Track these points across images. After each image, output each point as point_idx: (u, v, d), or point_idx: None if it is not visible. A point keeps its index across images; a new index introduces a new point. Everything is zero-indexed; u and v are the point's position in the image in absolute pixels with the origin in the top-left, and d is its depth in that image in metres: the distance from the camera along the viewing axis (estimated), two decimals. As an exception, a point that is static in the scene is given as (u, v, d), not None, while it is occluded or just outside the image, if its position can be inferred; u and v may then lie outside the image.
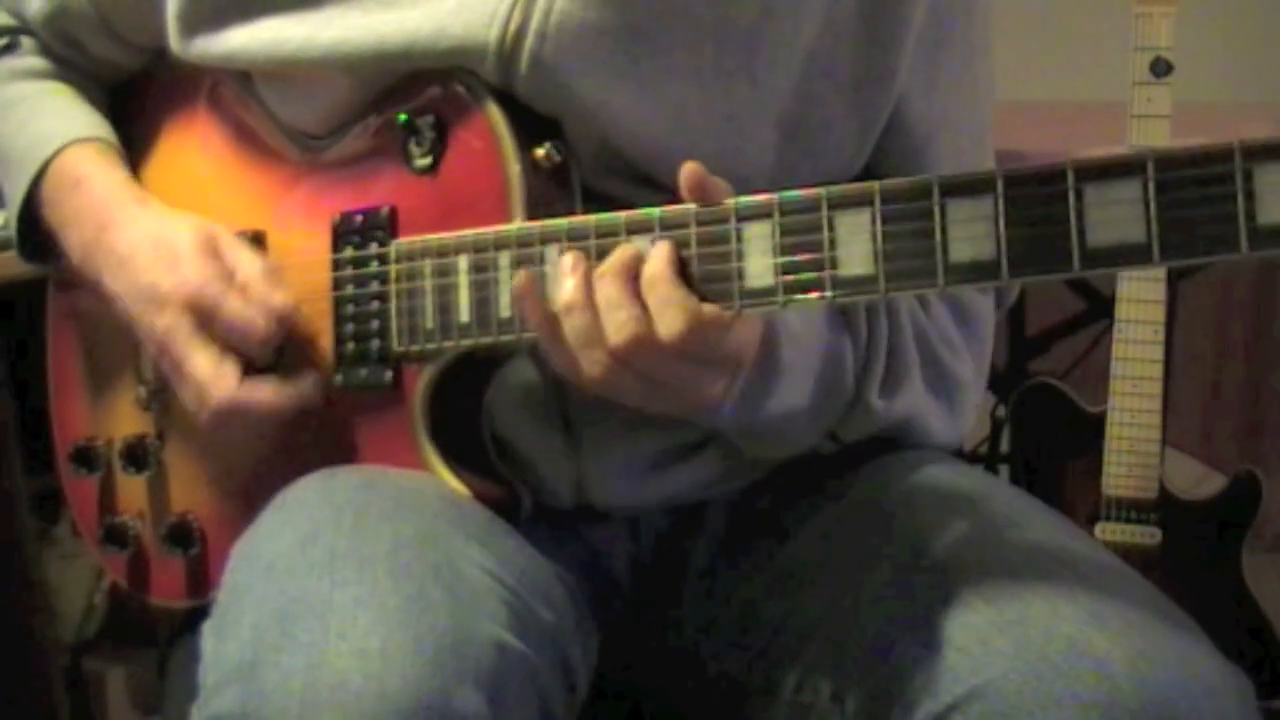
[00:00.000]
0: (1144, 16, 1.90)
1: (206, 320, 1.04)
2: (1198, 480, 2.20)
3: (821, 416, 1.05)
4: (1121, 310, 1.98)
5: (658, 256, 0.89)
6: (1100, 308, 2.30)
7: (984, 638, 0.89)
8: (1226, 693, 0.87)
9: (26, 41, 1.24)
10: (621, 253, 0.90)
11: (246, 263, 1.06)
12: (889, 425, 1.07)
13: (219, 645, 0.90)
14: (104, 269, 1.11)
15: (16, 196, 1.17)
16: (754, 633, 1.04)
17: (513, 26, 0.99)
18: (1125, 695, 0.84)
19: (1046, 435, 2.10)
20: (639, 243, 0.91)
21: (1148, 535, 2.00)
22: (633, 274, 0.90)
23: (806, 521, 1.07)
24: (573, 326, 0.90)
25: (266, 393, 1.04)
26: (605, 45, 0.99)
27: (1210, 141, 0.76)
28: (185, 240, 1.07)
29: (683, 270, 0.89)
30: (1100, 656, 0.85)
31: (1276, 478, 2.05)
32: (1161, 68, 1.90)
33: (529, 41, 0.99)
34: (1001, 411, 2.31)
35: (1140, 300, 1.96)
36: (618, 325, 0.89)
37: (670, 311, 0.88)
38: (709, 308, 0.88)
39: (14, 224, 1.18)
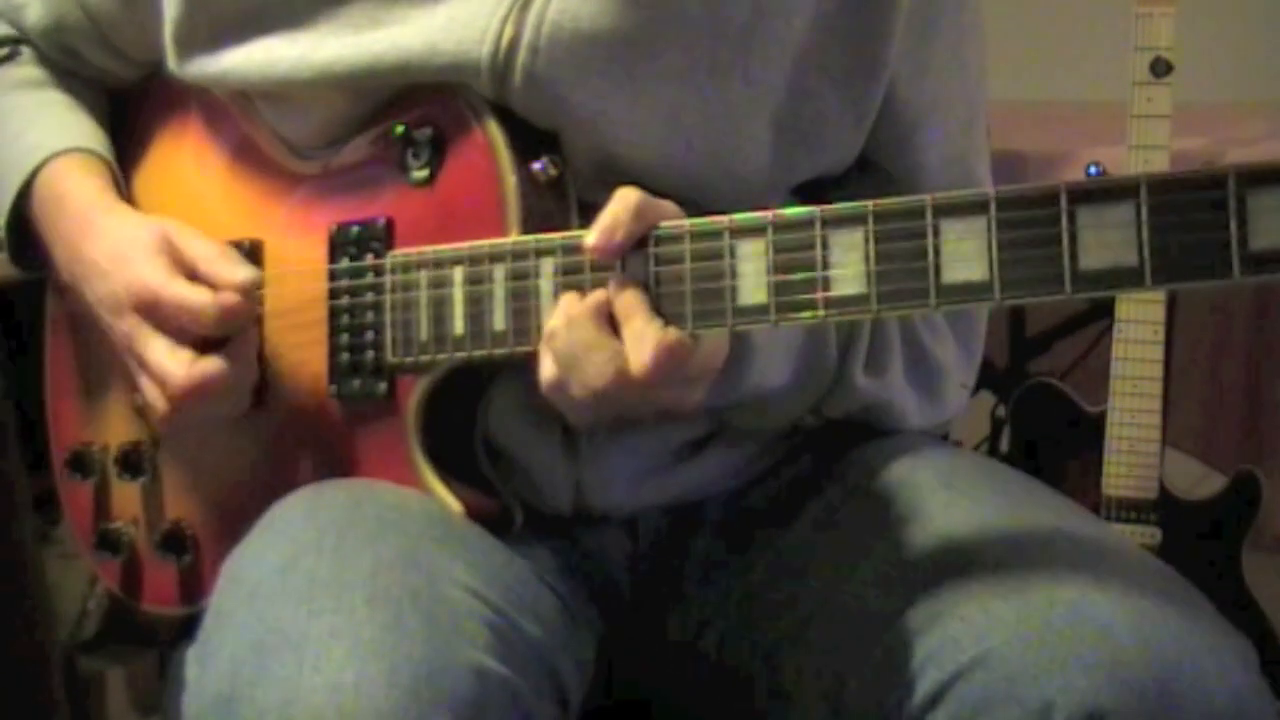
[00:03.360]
0: (1144, 16, 1.90)
1: (154, 312, 1.05)
2: (1198, 480, 2.20)
3: (805, 392, 1.06)
4: (1121, 310, 1.98)
5: (631, 291, 0.91)
6: (1100, 308, 2.29)
7: (985, 605, 0.89)
8: (1229, 651, 0.88)
9: (26, 51, 1.24)
10: (595, 297, 0.92)
11: (201, 250, 1.07)
12: (871, 404, 1.08)
13: (200, 674, 0.91)
14: (83, 282, 1.12)
15: (4, 211, 1.17)
16: (755, 621, 1.04)
17: (505, 41, 0.99)
18: (1129, 655, 0.84)
19: (1046, 435, 2.10)
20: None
21: (1147, 535, 2.00)
22: (605, 315, 0.91)
23: (804, 507, 1.07)
24: (555, 350, 0.92)
25: (220, 365, 1.03)
26: (599, 53, 0.99)
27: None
28: (139, 243, 1.07)
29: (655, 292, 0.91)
30: (1103, 618, 0.86)
31: (1276, 478, 2.05)
32: (1161, 68, 1.90)
33: (521, 55, 0.99)
34: (1001, 411, 2.31)
35: (1140, 300, 1.96)
36: (598, 367, 0.90)
37: (641, 346, 0.89)
38: (673, 333, 0.89)
39: (5, 235, 1.18)
